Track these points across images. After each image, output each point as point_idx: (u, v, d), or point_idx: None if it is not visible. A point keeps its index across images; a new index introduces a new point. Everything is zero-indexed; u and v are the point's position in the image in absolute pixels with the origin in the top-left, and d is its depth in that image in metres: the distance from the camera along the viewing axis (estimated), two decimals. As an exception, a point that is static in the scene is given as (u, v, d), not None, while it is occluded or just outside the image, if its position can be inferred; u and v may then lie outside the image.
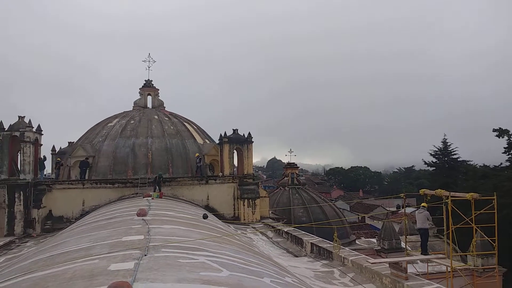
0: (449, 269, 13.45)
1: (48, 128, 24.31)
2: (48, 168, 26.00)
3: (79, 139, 26.95)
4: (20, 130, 21.33)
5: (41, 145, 23.16)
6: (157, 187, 20.61)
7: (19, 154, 21.63)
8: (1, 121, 21.56)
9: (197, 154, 23.88)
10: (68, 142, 29.67)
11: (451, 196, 13.53)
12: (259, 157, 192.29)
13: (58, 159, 25.89)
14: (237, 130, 25.48)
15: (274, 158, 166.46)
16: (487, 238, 16.04)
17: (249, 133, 25.37)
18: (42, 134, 23.10)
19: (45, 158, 23.84)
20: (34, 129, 21.97)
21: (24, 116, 22.06)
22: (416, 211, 15.22)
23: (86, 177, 22.93)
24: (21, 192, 20.61)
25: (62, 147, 29.57)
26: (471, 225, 13.42)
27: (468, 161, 50.74)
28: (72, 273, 5.75)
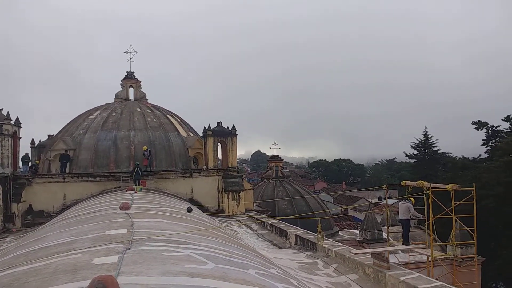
0: (429, 258, 13.77)
1: (27, 121, 23.72)
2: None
3: (59, 132, 26.37)
4: (-2, 123, 20.78)
5: (20, 138, 22.63)
6: (136, 181, 20.33)
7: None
8: (-23, 114, 20.99)
9: (145, 147, 23.17)
10: (48, 135, 29.05)
11: (432, 188, 13.82)
12: (243, 150, 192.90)
13: (37, 161, 25.51)
14: (221, 123, 25.36)
15: (259, 151, 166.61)
16: (466, 228, 16.45)
17: (233, 126, 25.28)
18: (21, 127, 22.56)
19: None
20: (12, 122, 21.43)
21: (2, 109, 21.46)
22: (399, 202, 15.48)
23: (67, 171, 22.52)
24: (0, 186, 20.15)
25: (41, 140, 28.99)
26: (451, 215, 13.74)
27: (448, 153, 51.98)
28: (55, 268, 5.65)
